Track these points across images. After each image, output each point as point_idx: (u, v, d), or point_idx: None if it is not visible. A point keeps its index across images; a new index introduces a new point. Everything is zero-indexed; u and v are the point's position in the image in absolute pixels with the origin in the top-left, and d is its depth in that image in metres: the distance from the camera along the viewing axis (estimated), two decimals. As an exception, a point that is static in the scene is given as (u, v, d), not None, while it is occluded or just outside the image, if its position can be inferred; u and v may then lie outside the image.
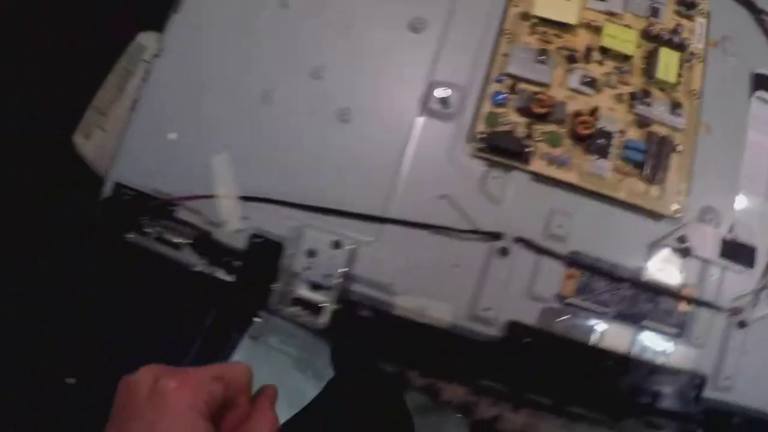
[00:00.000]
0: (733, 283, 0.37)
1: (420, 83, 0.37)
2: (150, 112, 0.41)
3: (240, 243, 0.37)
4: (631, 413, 0.36)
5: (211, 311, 0.82)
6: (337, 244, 0.35)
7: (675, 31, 0.37)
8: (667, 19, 0.38)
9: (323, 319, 0.35)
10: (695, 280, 0.37)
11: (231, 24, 0.42)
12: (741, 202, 0.38)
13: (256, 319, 0.89)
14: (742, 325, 0.37)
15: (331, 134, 0.38)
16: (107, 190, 0.40)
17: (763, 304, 0.38)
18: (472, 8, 0.38)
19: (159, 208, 0.39)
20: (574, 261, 0.35)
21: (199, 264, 0.38)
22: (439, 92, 0.36)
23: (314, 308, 0.36)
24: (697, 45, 0.39)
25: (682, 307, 0.37)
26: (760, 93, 0.39)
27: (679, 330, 0.36)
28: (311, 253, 0.36)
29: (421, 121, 0.37)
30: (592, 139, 0.35)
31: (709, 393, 0.37)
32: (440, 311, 0.35)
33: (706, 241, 0.37)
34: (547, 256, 0.35)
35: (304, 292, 0.36)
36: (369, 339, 0.37)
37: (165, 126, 0.40)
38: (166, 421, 0.19)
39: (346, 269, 0.35)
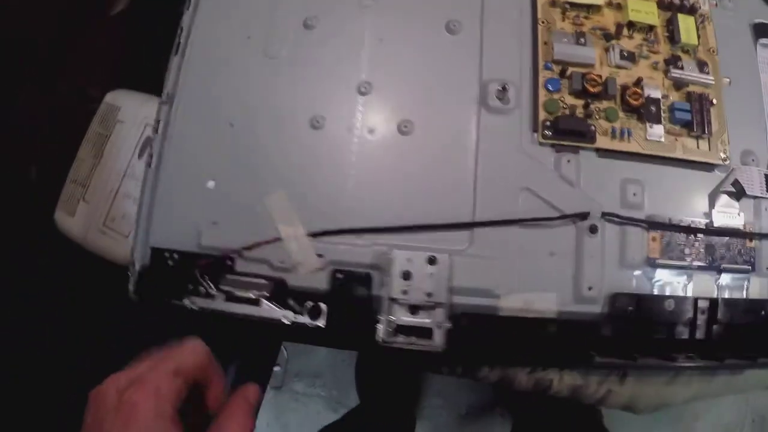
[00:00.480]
0: None
1: (472, 83, 0.37)
2: (175, 164, 0.38)
3: (322, 283, 0.35)
4: (729, 351, 0.38)
5: (232, 364, 0.77)
6: (432, 260, 0.34)
7: (682, -3, 0.41)
8: (676, -14, 0.41)
9: (439, 342, 0.34)
10: (752, 217, 0.40)
11: (250, 56, 0.39)
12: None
13: (276, 368, 0.84)
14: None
15: (395, 149, 0.37)
16: (141, 258, 0.37)
17: None
18: (501, 3, 0.39)
19: (218, 265, 0.36)
20: (654, 223, 0.37)
21: (285, 316, 0.35)
22: (496, 88, 0.36)
23: (424, 332, 0.34)
24: (704, 7, 0.42)
25: (749, 243, 0.40)
26: (763, 40, 0.43)
27: (751, 265, 0.39)
28: (406, 276, 0.34)
29: (483, 119, 0.37)
30: (643, 109, 0.37)
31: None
32: (546, 302, 0.36)
33: (753, 180, 0.40)
34: (631, 225, 0.37)
35: (409, 318, 0.35)
36: (478, 347, 0.36)
37: (197, 176, 0.37)
38: (132, 425, 0.21)
39: (450, 283, 0.34)
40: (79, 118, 0.60)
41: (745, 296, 0.39)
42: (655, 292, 0.37)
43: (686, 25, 0.40)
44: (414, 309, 0.35)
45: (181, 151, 0.38)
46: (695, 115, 0.38)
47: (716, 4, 0.43)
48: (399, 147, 0.36)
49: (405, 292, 0.34)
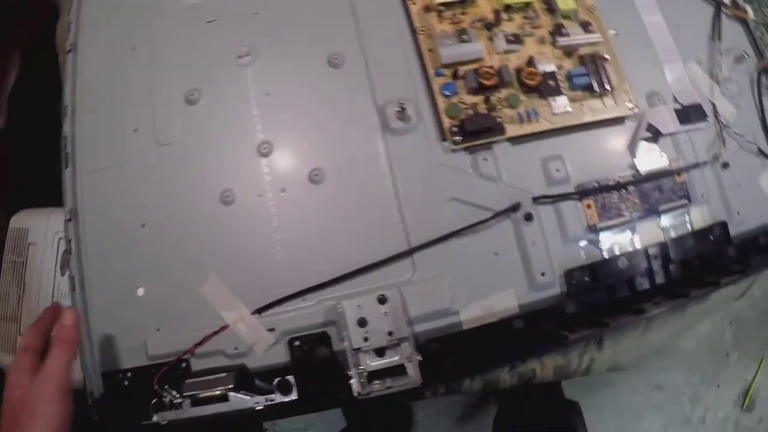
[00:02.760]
0: (702, 139, 0.42)
1: (370, 111, 0.37)
2: (99, 281, 0.36)
3: (282, 356, 0.34)
4: (692, 284, 0.39)
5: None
6: (382, 299, 0.34)
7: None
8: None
9: (414, 375, 0.33)
10: (675, 153, 0.41)
11: (143, 149, 0.38)
12: (669, 73, 0.42)
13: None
14: (725, 166, 0.42)
15: (312, 200, 0.36)
16: (95, 386, 0.35)
17: (729, 141, 0.43)
18: (376, 22, 0.39)
19: (174, 370, 0.35)
20: (584, 191, 0.37)
21: (256, 402, 0.34)
22: (395, 110, 0.35)
23: (397, 370, 0.34)
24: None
25: (678, 179, 0.40)
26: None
27: (687, 198, 0.40)
28: (362, 323, 0.34)
29: (390, 143, 0.36)
30: (542, 86, 0.37)
31: (734, 232, 0.41)
32: (505, 301, 0.35)
33: (665, 118, 0.41)
34: (563, 200, 0.37)
35: (378, 362, 0.34)
36: (453, 365, 0.35)
37: (125, 287, 0.36)
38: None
39: (407, 315, 0.34)
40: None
41: (690, 229, 0.40)
42: (606, 255, 0.37)
43: (559, -9, 0.40)
44: (380, 351, 0.34)
45: (101, 266, 0.36)
46: (593, 76, 0.38)
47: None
48: (315, 197, 0.35)
49: (366, 339, 0.34)
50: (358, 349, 0.33)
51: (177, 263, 0.35)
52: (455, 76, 0.37)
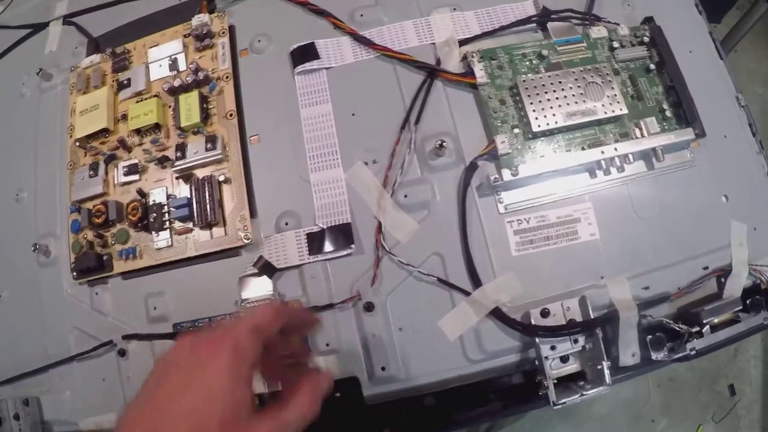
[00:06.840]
0: (347, 268, 0.34)
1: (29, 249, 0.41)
2: None
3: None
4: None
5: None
6: (26, 402, 0.40)
7: (195, 71, 0.37)
8: (189, 62, 0.38)
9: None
10: (299, 290, 0.34)
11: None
12: (317, 185, 0.34)
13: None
14: (369, 308, 0.33)
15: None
16: None
17: (389, 280, 0.33)
18: (48, 158, 0.42)
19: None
20: (176, 333, 0.35)
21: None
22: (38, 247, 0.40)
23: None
24: (222, 67, 0.38)
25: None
26: (299, 68, 0.36)
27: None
28: (16, 417, 0.41)
29: (41, 276, 0.40)
30: (147, 220, 0.36)
31: (382, 389, 0.33)
32: (108, 422, 0.38)
33: (287, 248, 0.34)
34: (156, 339, 0.36)
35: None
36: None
37: None
38: (206, 378, 0.19)
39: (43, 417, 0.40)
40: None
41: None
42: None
43: (187, 104, 0.37)
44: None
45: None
46: (195, 205, 0.35)
47: (247, 52, 0.38)
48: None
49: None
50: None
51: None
52: (80, 212, 0.39)
